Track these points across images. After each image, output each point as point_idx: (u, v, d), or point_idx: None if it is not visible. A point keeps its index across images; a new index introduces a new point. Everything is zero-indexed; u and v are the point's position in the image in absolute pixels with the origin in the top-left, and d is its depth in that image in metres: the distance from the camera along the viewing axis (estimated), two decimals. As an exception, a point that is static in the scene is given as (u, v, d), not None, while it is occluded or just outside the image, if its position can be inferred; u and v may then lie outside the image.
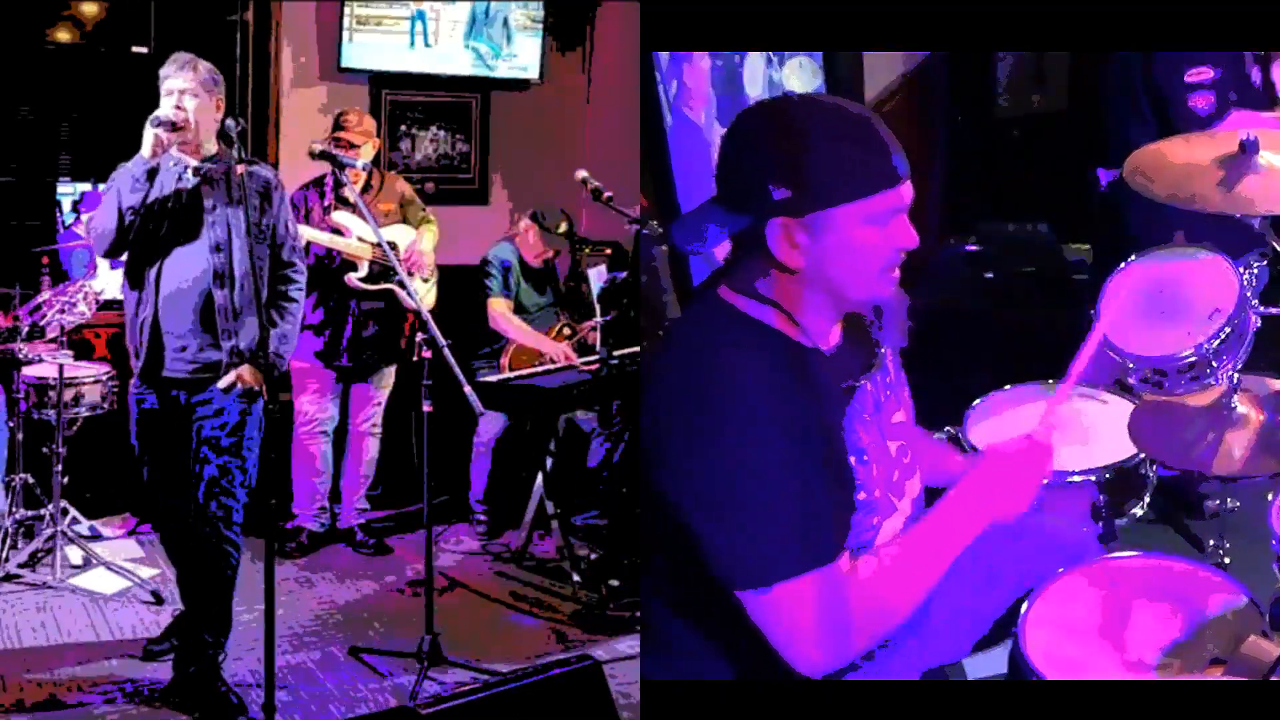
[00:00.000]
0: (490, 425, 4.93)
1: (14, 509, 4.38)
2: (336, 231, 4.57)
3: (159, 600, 4.15)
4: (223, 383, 3.31)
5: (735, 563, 1.92)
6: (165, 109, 3.27)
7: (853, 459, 2.03)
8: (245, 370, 3.32)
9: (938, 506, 2.09)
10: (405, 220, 4.78)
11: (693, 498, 1.93)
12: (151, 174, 3.25)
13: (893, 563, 2.01)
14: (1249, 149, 2.68)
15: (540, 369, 4.76)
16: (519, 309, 5.09)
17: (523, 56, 5.94)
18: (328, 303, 4.67)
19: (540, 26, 5.95)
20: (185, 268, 3.29)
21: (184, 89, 3.30)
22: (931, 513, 2.09)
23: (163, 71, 3.33)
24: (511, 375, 4.73)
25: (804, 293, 2.00)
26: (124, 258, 3.35)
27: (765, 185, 1.92)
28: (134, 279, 3.34)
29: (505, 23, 5.80)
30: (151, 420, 3.38)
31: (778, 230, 1.94)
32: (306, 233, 4.48)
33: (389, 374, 4.89)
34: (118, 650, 3.81)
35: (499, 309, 5.00)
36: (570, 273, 5.28)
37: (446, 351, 3.57)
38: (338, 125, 4.64)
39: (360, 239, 4.57)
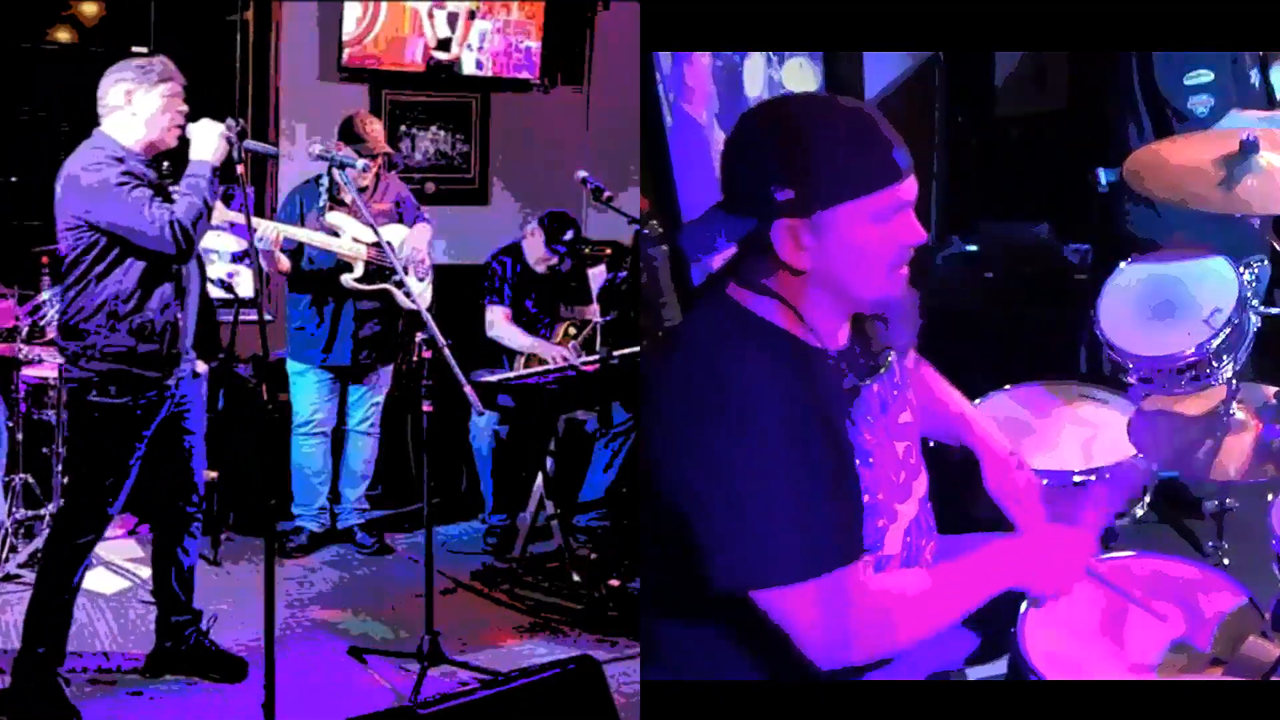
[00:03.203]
0: (483, 431, 4.91)
1: (14, 509, 4.38)
2: (332, 232, 4.56)
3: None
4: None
5: (738, 564, 1.92)
6: (251, 139, 3.40)
7: (857, 461, 2.03)
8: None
9: (973, 561, 2.10)
10: (401, 220, 4.78)
11: (699, 498, 1.93)
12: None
13: (911, 593, 2.03)
14: (1249, 149, 2.68)
15: (540, 369, 4.76)
16: (519, 314, 5.08)
17: (524, 57, 5.94)
18: (324, 304, 4.67)
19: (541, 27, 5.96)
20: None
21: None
22: (964, 563, 2.10)
23: (159, 68, 3.32)
24: (511, 375, 4.73)
25: (811, 293, 1.99)
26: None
27: (768, 187, 1.91)
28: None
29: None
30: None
31: (783, 232, 1.93)
32: (300, 234, 4.48)
33: (386, 374, 4.89)
34: (118, 650, 3.81)
35: (495, 317, 5.01)
36: (570, 273, 5.27)
37: (446, 351, 3.57)
38: (357, 136, 4.59)
39: (355, 239, 4.56)
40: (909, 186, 1.95)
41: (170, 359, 3.37)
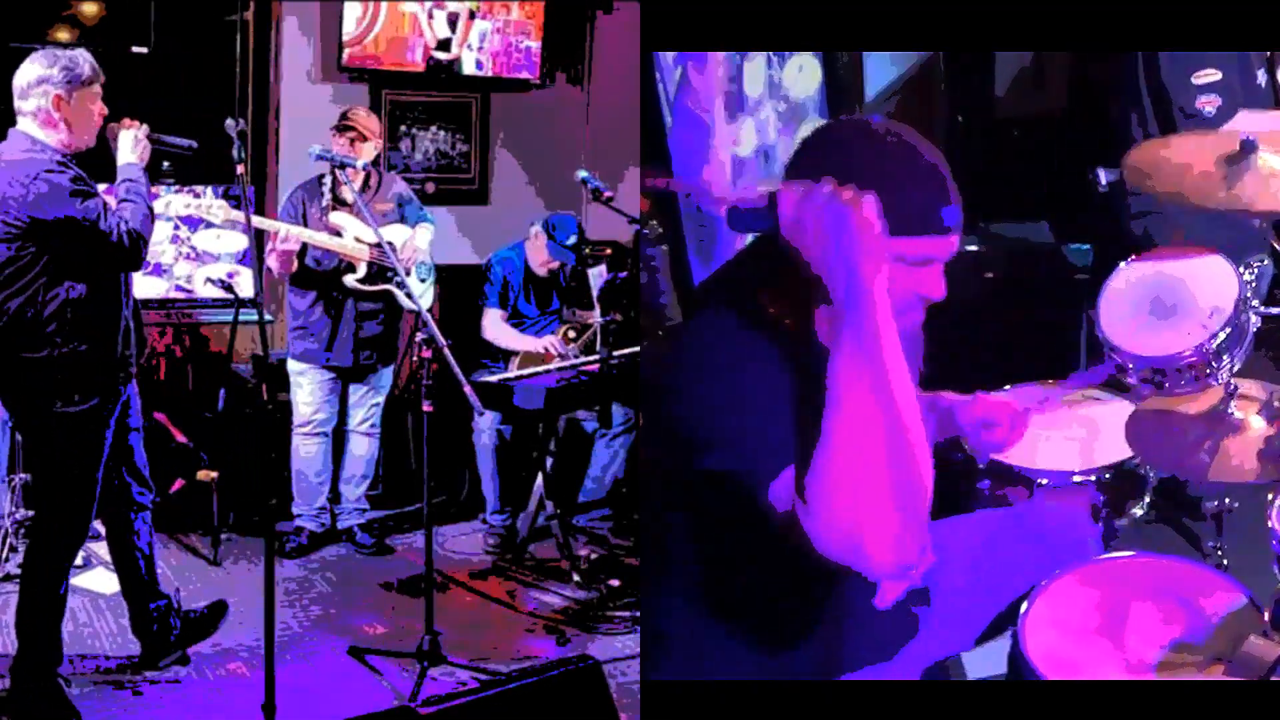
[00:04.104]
0: (486, 430, 4.91)
1: (14, 509, 4.37)
2: (334, 232, 4.57)
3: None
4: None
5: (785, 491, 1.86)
6: (160, 135, 3.39)
7: None
8: None
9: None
10: (403, 220, 4.78)
11: (733, 444, 1.89)
12: None
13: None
14: (1249, 149, 2.68)
15: (541, 369, 4.76)
16: (517, 317, 5.08)
17: (524, 57, 5.94)
18: (325, 304, 4.67)
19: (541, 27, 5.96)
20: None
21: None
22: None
23: (85, 67, 3.26)
24: (512, 375, 4.72)
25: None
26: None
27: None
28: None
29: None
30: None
31: None
32: (303, 234, 4.48)
33: (387, 374, 4.89)
34: (117, 650, 3.81)
35: (490, 320, 5.01)
36: (571, 276, 5.28)
37: (446, 351, 3.57)
38: (345, 119, 4.63)
39: (357, 239, 4.56)
40: (944, 244, 1.94)
41: (123, 360, 3.36)
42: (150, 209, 3.29)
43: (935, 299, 1.97)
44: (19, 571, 4.23)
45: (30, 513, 4.42)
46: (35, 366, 3.22)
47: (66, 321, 3.21)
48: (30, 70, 3.23)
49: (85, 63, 3.26)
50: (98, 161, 3.36)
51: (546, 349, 4.89)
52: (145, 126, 3.35)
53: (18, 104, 3.25)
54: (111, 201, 3.27)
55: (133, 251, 3.21)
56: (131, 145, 3.33)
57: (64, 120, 3.23)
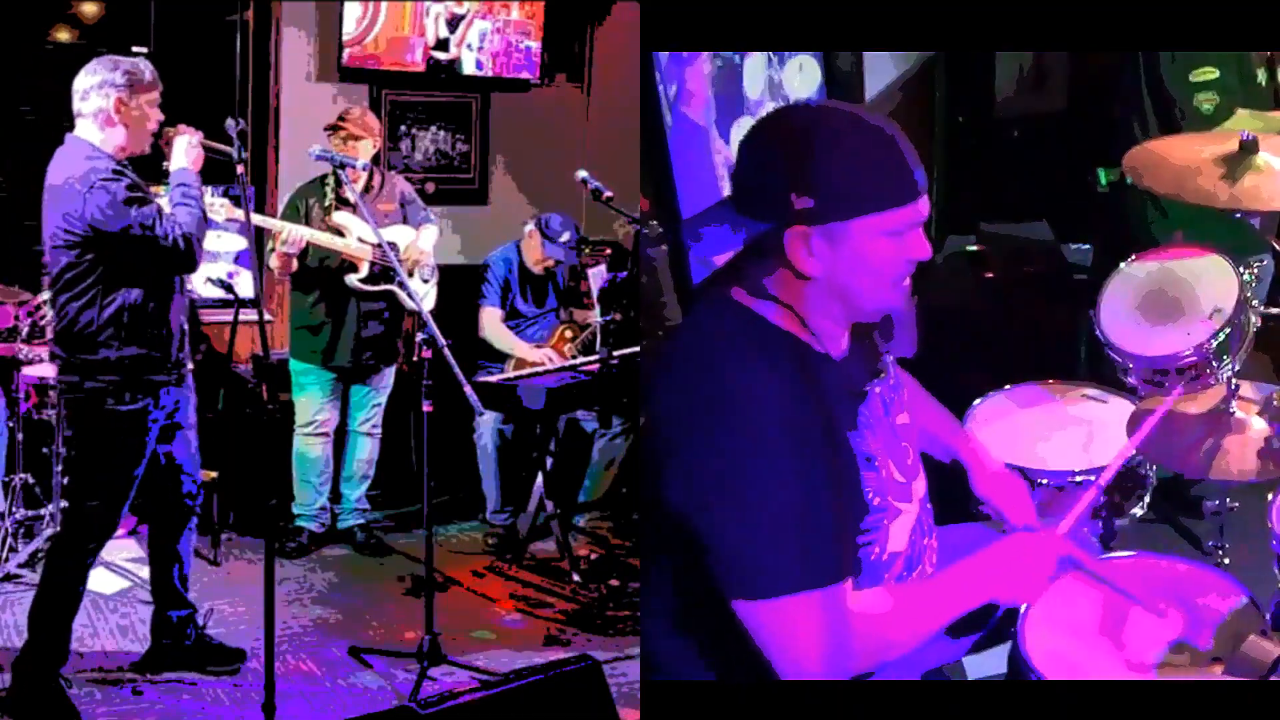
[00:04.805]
0: (486, 428, 4.91)
1: (14, 509, 4.38)
2: (337, 232, 4.57)
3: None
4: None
5: (736, 571, 1.92)
6: (210, 141, 3.44)
7: (862, 465, 2.03)
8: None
9: (952, 573, 2.09)
10: (406, 220, 4.78)
11: (699, 502, 1.93)
12: None
13: (898, 608, 2.02)
14: (1249, 149, 2.68)
15: (541, 369, 4.76)
16: (514, 315, 5.09)
17: (524, 57, 5.95)
18: (328, 304, 4.67)
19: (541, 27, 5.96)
20: None
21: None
22: (945, 575, 2.10)
23: (147, 74, 3.33)
24: (512, 375, 4.73)
25: (816, 299, 2.00)
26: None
27: (787, 194, 1.90)
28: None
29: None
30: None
31: (796, 238, 1.93)
32: (305, 234, 4.48)
33: (388, 375, 4.89)
34: (118, 650, 3.81)
35: (488, 318, 5.01)
36: (568, 275, 5.28)
37: (446, 351, 3.58)
38: (340, 120, 4.63)
39: (360, 240, 4.56)
40: (923, 206, 1.95)
41: (177, 363, 3.41)
42: (204, 212, 3.36)
43: (924, 259, 1.98)
44: (19, 572, 4.27)
45: (30, 513, 4.42)
46: (91, 368, 3.28)
47: (123, 325, 3.27)
48: (93, 72, 3.30)
49: (147, 69, 3.34)
50: (150, 165, 3.43)
51: (542, 361, 4.88)
52: (200, 134, 3.42)
53: (78, 106, 3.31)
54: (166, 206, 3.32)
55: (187, 254, 3.27)
56: (185, 151, 3.39)
57: (123, 123, 3.29)
